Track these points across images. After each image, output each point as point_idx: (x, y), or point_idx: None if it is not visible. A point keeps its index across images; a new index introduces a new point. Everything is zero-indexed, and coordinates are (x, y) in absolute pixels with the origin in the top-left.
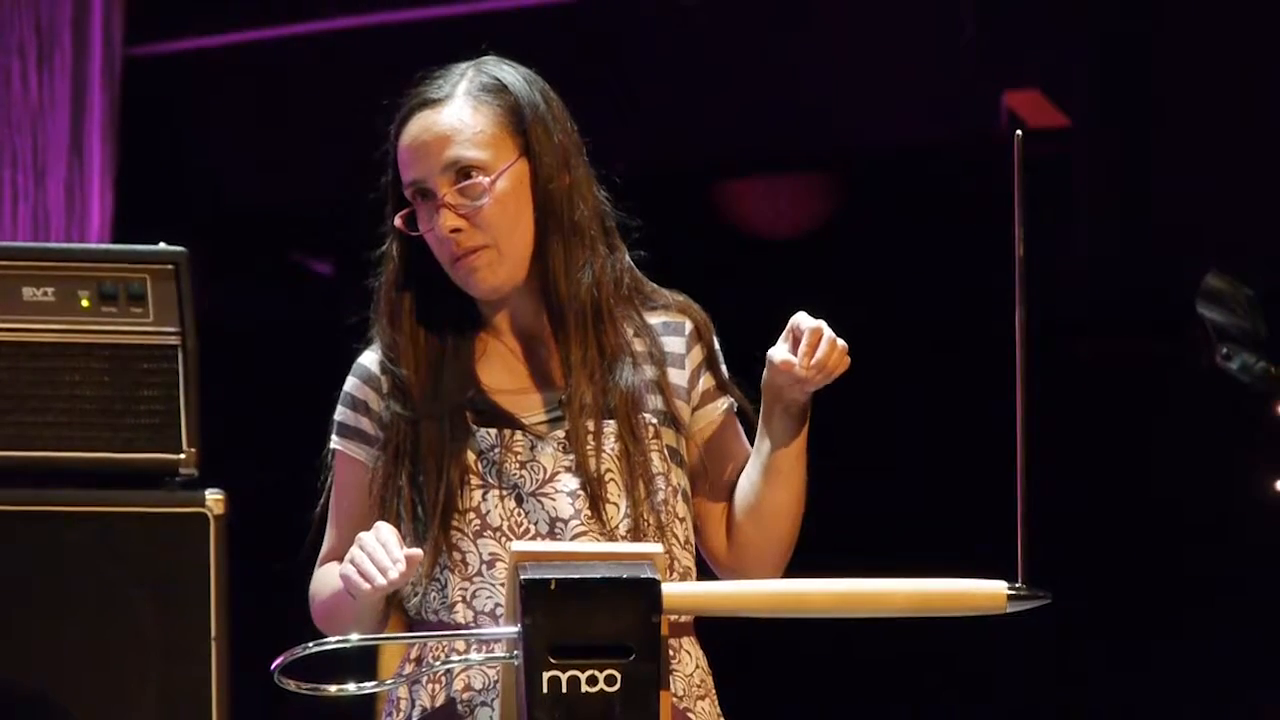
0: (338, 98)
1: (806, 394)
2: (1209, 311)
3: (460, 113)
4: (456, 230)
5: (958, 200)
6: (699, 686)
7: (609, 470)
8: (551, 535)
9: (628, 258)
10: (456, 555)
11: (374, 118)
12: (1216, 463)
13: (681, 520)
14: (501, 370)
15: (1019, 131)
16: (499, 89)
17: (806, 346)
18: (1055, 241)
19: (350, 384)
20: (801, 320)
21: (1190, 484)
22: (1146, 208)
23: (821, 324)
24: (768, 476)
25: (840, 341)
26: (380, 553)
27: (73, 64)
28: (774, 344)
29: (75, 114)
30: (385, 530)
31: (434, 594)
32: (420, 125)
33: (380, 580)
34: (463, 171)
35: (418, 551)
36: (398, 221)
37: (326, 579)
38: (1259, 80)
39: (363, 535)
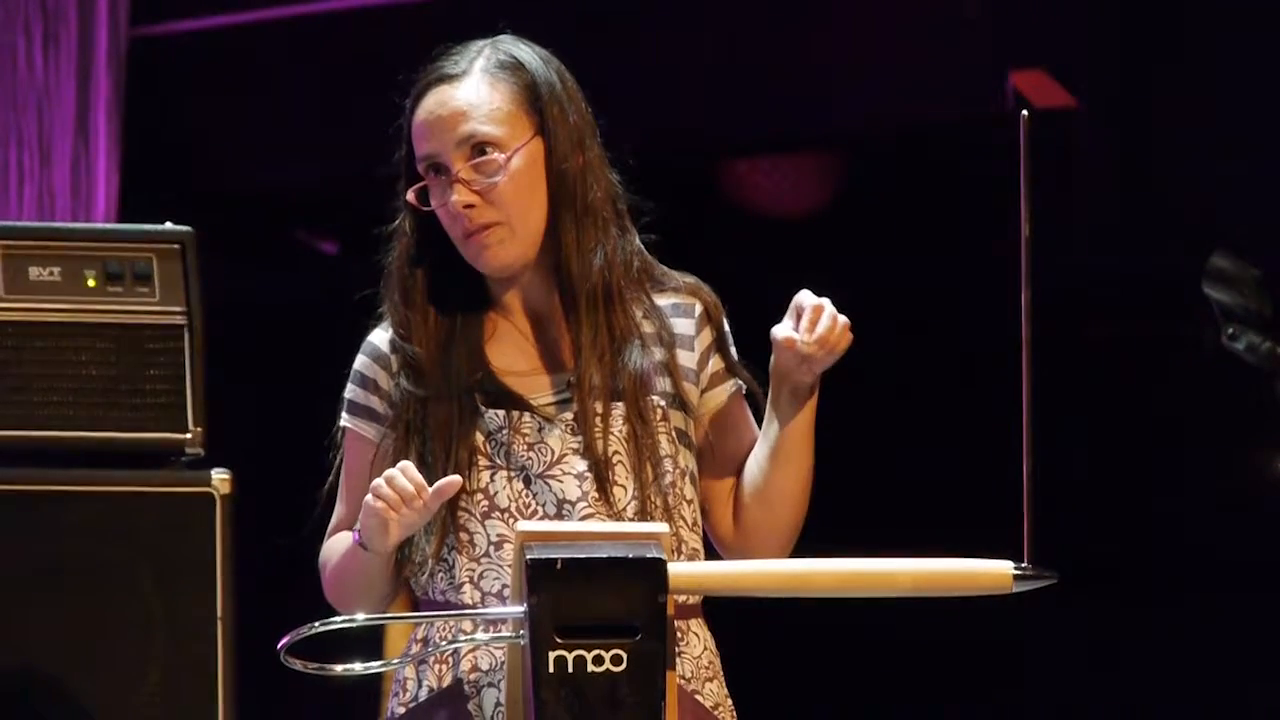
0: (344, 77)
1: (814, 375)
2: (1215, 292)
3: (477, 89)
4: (470, 206)
5: (963, 180)
6: (707, 668)
7: (617, 452)
8: (559, 517)
9: (638, 240)
10: (464, 536)
11: (380, 97)
12: (1221, 443)
13: (689, 502)
14: (511, 351)
15: (1025, 111)
16: (516, 67)
17: (808, 322)
18: (1061, 221)
19: (360, 362)
20: (804, 298)
21: (1195, 464)
22: (1152, 187)
23: (824, 301)
24: (775, 458)
25: (842, 318)
26: (400, 478)
27: (78, 44)
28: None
29: (81, 94)
30: (403, 462)
31: (441, 575)
32: (436, 100)
33: (404, 511)
34: (477, 147)
35: (455, 478)
36: (410, 196)
37: (336, 545)
38: (1266, 59)
39: (386, 473)
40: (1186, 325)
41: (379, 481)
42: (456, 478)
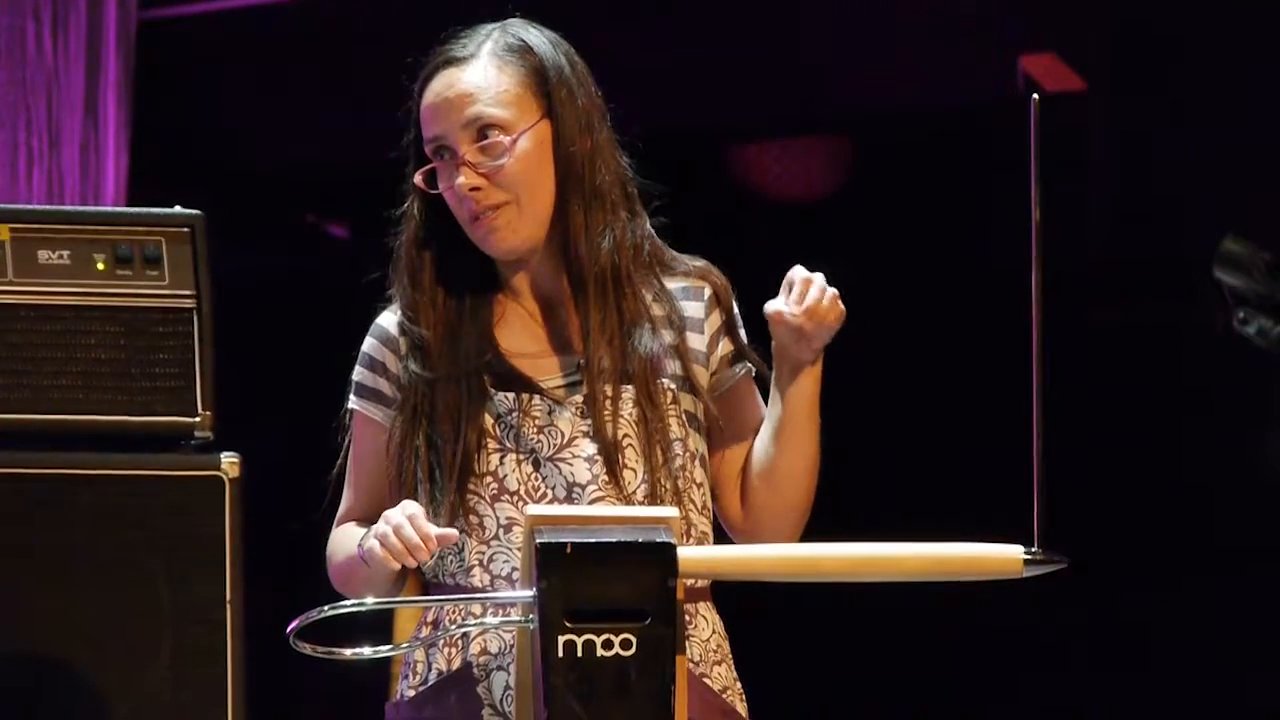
0: (353, 60)
1: (813, 351)
2: (1226, 276)
3: (484, 71)
4: (476, 189)
5: (973, 164)
6: (715, 651)
7: (626, 436)
8: (569, 500)
9: (648, 224)
10: (474, 519)
11: (389, 79)
12: (1233, 428)
13: (699, 485)
14: (520, 333)
15: (1035, 95)
16: (524, 50)
17: (797, 294)
18: (1071, 206)
19: (368, 345)
20: (795, 273)
21: (1206, 449)
22: (1163, 171)
23: (815, 275)
24: (780, 438)
25: (830, 289)
26: (407, 528)
27: (87, 27)
28: None
29: (90, 77)
30: (410, 504)
31: (451, 558)
32: (444, 83)
33: (409, 560)
34: (484, 130)
35: (451, 531)
36: (418, 179)
37: (344, 540)
38: (1273, 41)
39: (388, 511)
40: (1197, 309)
41: (386, 530)
42: (454, 531)
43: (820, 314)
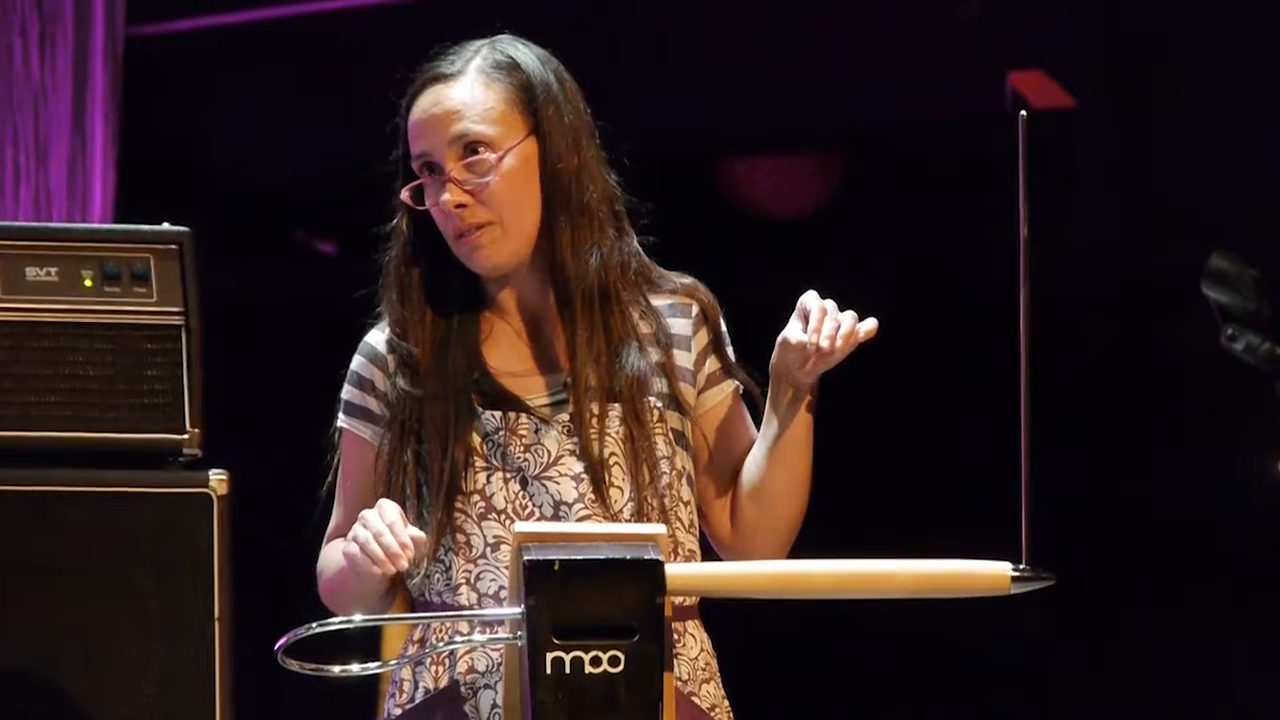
0: (341, 76)
1: (814, 376)
2: (1214, 292)
3: (471, 88)
4: (461, 206)
5: (962, 180)
6: (704, 670)
7: (613, 454)
8: (555, 518)
9: (635, 242)
10: (461, 537)
11: (377, 95)
12: (1220, 444)
13: (685, 504)
14: (507, 351)
15: (1023, 112)
16: (511, 67)
17: (816, 323)
18: (1059, 222)
19: (357, 362)
20: (809, 300)
21: (1194, 465)
22: (1150, 188)
23: (828, 304)
24: (773, 459)
25: (849, 314)
26: (388, 535)
27: (74, 43)
28: (778, 327)
29: (77, 93)
30: (390, 509)
31: (438, 576)
32: (431, 99)
33: (389, 568)
34: (470, 147)
35: (420, 534)
36: (405, 195)
37: (333, 557)
38: (1264, 57)
39: (366, 514)
40: (1185, 326)
41: (367, 535)
42: (422, 534)
43: (845, 337)
